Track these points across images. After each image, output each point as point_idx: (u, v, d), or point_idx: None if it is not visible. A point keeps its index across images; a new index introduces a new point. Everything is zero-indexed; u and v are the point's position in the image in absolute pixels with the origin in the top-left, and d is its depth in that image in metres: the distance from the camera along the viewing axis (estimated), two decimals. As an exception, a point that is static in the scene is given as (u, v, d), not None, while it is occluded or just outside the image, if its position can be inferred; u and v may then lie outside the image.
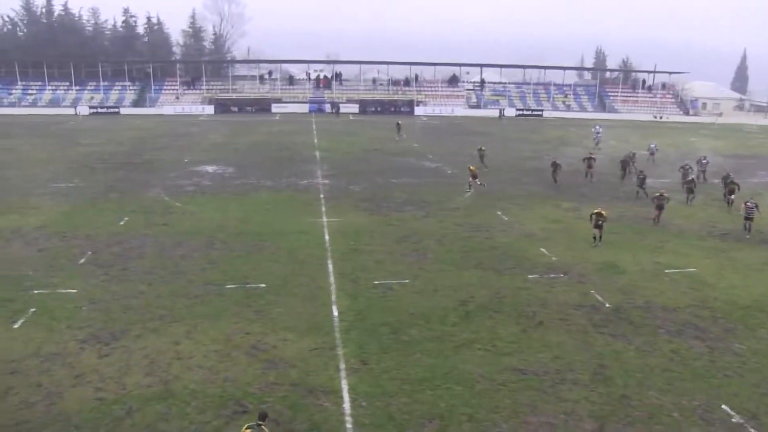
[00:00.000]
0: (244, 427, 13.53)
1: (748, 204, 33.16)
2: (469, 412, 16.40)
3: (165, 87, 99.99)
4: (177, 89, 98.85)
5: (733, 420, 16.61)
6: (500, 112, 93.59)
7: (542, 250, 29.91)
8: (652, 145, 58.90)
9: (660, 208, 34.85)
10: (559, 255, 29.19)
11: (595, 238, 30.38)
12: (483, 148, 52.82)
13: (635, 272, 27.28)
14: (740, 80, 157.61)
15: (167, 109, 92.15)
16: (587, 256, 29.04)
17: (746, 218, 33.04)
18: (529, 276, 26.48)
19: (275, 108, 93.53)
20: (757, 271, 27.66)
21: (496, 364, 18.97)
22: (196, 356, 18.88)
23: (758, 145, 73.74)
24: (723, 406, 17.20)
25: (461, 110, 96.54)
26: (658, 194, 35.38)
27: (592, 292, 24.93)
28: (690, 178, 42.29)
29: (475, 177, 42.19)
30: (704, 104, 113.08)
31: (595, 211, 30.52)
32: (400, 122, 69.93)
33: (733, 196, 38.58)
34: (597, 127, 70.23)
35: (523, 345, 20.30)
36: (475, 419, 16.09)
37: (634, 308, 23.60)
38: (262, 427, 13.57)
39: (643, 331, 21.66)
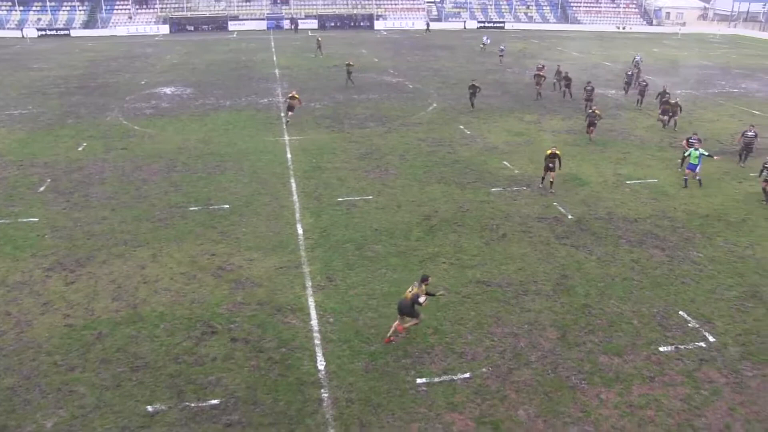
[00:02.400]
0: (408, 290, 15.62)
1: (749, 134, 30.67)
2: (435, 324, 16.72)
3: (116, 6, 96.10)
4: (129, 8, 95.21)
5: (689, 325, 17.17)
6: (427, 25, 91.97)
7: (505, 163, 30.05)
8: (638, 57, 58.52)
9: (592, 124, 34.14)
10: (521, 168, 29.37)
11: (543, 179, 27.06)
12: (351, 63, 49.70)
13: (597, 184, 27.60)
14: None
15: (120, 30, 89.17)
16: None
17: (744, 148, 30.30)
18: (492, 189, 26.67)
19: (232, 26, 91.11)
20: (716, 180, 28.17)
21: (460, 277, 19.27)
22: (163, 279, 18.85)
23: (721, 55, 73.87)
24: (680, 312, 17.75)
25: (422, 24, 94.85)
26: (591, 110, 34.95)
27: (555, 204, 25.23)
28: (645, 84, 42.75)
29: (291, 109, 36.58)
30: (668, 14, 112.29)
31: (548, 152, 26.61)
32: (320, 39, 67.89)
33: (666, 117, 36.91)
34: (485, 38, 70.14)
35: (486, 258, 20.60)
36: (440, 331, 16.42)
37: (596, 219, 23.99)
38: (423, 286, 15.58)
39: (604, 242, 22.08)
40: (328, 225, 22.78)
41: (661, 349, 16.09)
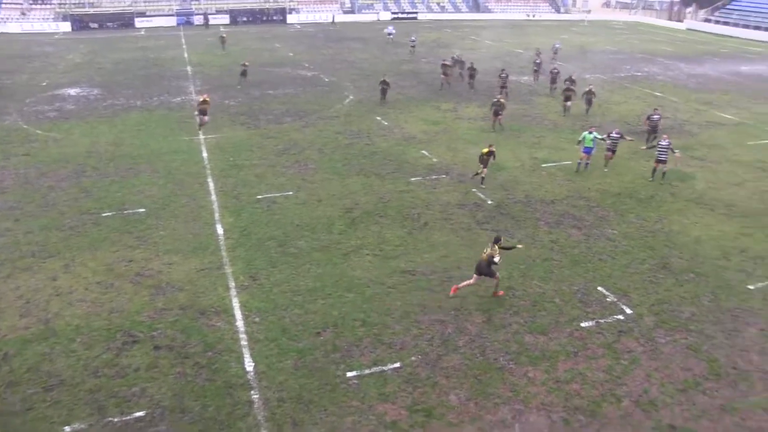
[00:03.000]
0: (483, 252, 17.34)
1: (654, 117, 31.31)
2: (362, 317, 16.66)
3: (5, 1, 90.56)
4: (22, 3, 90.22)
5: (607, 299, 17.78)
6: (332, 17, 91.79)
7: (423, 152, 30.22)
8: (557, 45, 59.84)
9: (496, 113, 34.02)
10: (440, 156, 29.61)
11: (477, 174, 26.52)
12: (247, 63, 48.01)
13: (514, 168, 28.09)
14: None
15: (12, 27, 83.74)
16: (467, 156, 29.57)
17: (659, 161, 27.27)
18: (412, 179, 26.77)
19: (139, 22, 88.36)
20: (626, 160, 29.08)
21: (384, 268, 19.26)
22: (77, 290, 18.06)
23: (624, 40, 76.49)
24: (599, 288, 18.34)
25: (337, 16, 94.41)
26: (496, 99, 34.97)
27: (474, 190, 25.53)
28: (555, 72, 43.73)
29: (204, 113, 33.59)
30: (574, 1, 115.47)
31: (485, 150, 25.90)
32: (224, 35, 66.33)
33: (569, 103, 37.52)
34: (390, 28, 70.84)
35: (409, 247, 20.67)
36: (368, 323, 16.37)
37: (515, 203, 24.39)
38: (496, 247, 17.19)
39: (524, 225, 22.49)
40: (249, 223, 22.39)
41: (582, 324, 16.59)
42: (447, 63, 45.63)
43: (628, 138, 28.85)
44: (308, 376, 14.38)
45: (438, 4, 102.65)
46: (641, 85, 48.06)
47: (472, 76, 44.52)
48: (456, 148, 30.73)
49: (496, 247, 17.32)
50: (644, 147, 29.64)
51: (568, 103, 37.54)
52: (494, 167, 27.84)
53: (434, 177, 27.03)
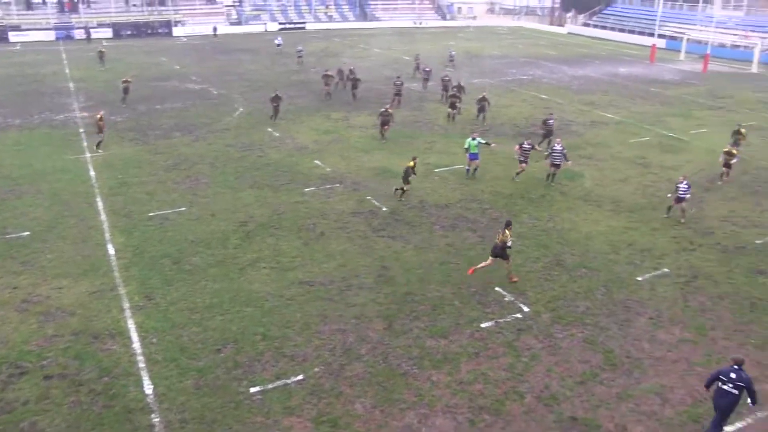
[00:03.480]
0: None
1: (549, 121, 32.28)
2: (262, 331, 16.57)
3: None
4: None
5: (505, 299, 18.39)
6: (214, 29, 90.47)
7: (316, 162, 30.31)
8: (452, 52, 60.94)
9: (385, 123, 34.10)
10: (332, 165, 29.78)
11: (399, 190, 25.91)
12: (128, 79, 44.64)
13: (407, 174, 28.52)
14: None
15: None
16: (360, 164, 29.89)
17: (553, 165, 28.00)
18: (306, 189, 26.82)
19: (14, 36, 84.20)
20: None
21: (282, 281, 19.22)
22: (-43, 321, 17.10)
23: (509, 45, 79.18)
24: (496, 288, 18.95)
25: (223, 28, 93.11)
26: (383, 109, 35.08)
27: (369, 198, 25.82)
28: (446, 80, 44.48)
29: (101, 130, 32.54)
30: (459, 8, 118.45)
31: (411, 163, 25.67)
32: (103, 50, 63.91)
33: (454, 110, 37.89)
34: (278, 39, 71.49)
35: (306, 258, 20.69)
36: (268, 337, 16.29)
37: (410, 209, 24.83)
38: (507, 231, 18.65)
39: (419, 230, 22.92)
40: (141, 242, 21.82)
41: (482, 325, 17.07)
42: (329, 74, 45.62)
43: (492, 144, 29.63)
44: (210, 395, 14.17)
45: (326, 13, 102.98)
46: (527, 89, 49.92)
47: (354, 86, 44.32)
48: (349, 157, 30.98)
49: (507, 231, 18.74)
50: (540, 150, 30.02)
51: (453, 111, 38.15)
52: (387, 174, 28.26)
53: (328, 186, 27.15)
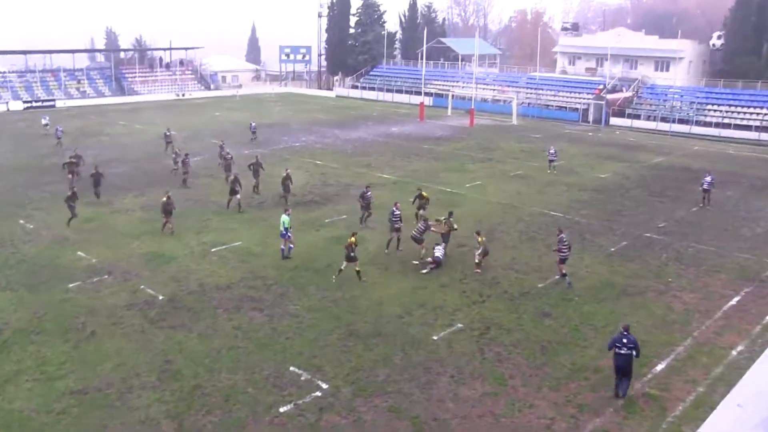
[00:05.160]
0: None
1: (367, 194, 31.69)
2: (28, 459, 14.25)
3: None
4: None
5: (302, 378, 17.69)
6: None
7: (79, 253, 27.49)
8: (253, 124, 57.92)
9: (233, 192, 33.72)
10: (99, 255, 27.18)
11: (340, 272, 24.47)
12: None
13: (183, 257, 26.97)
14: (253, 52, 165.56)
15: None
16: (130, 251, 27.73)
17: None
18: (70, 285, 24.12)
19: None
20: (297, 231, 28.79)
21: (50, 393, 16.98)
22: None
23: (279, 112, 79.50)
24: (291, 368, 18.19)
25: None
26: (233, 177, 34.45)
27: (143, 287, 23.88)
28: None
29: None
30: (224, 77, 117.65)
31: (352, 239, 24.20)
32: None
33: (238, 196, 34.18)
34: (46, 118, 66.83)
35: (77, 363, 18.53)
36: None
37: (189, 294, 23.32)
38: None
39: (202, 316, 21.55)
40: None
41: (281, 410, 16.25)
42: (72, 160, 40.53)
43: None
44: None
45: (77, 89, 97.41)
46: (301, 155, 50.02)
47: (97, 183, 36.55)
48: (116, 245, 28.50)
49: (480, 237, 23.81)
50: (360, 224, 30.01)
51: (238, 197, 34.42)
52: (161, 259, 26.49)
53: (96, 279, 24.67)
